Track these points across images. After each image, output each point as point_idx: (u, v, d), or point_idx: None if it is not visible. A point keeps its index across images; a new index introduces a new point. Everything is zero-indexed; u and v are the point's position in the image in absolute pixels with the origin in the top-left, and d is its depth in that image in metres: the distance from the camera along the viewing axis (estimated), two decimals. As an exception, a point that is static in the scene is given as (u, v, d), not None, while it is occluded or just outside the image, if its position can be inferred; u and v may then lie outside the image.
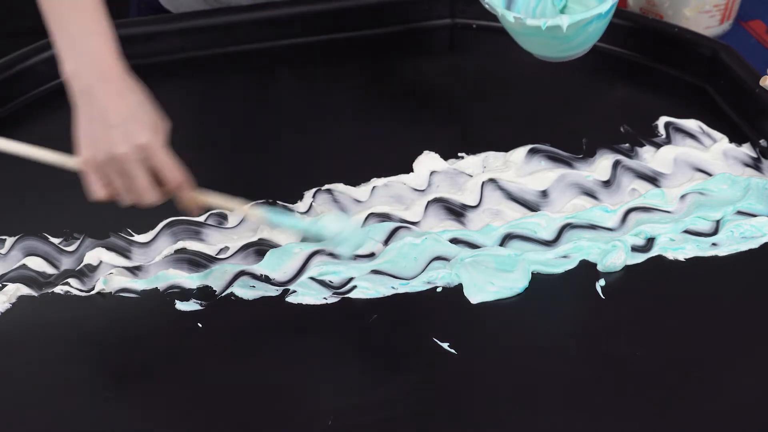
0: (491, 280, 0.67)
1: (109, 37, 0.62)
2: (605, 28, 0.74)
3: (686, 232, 0.70)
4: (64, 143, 0.81)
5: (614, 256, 0.67)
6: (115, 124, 0.59)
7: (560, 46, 0.74)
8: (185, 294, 0.66)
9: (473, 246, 0.69)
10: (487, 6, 0.74)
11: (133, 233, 0.72)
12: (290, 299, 0.66)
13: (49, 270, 0.69)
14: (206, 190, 0.64)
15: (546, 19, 0.71)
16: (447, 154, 0.78)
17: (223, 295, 0.66)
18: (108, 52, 0.61)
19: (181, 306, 0.65)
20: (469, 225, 0.72)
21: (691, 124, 0.81)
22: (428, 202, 0.73)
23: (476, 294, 0.66)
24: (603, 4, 0.71)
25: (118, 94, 0.60)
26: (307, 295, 0.66)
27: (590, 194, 0.74)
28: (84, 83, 0.60)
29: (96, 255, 0.69)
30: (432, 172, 0.76)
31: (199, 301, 0.65)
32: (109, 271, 0.68)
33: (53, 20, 0.62)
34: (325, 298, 0.66)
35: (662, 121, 0.81)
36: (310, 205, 0.73)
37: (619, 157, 0.77)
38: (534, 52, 0.76)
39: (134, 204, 0.62)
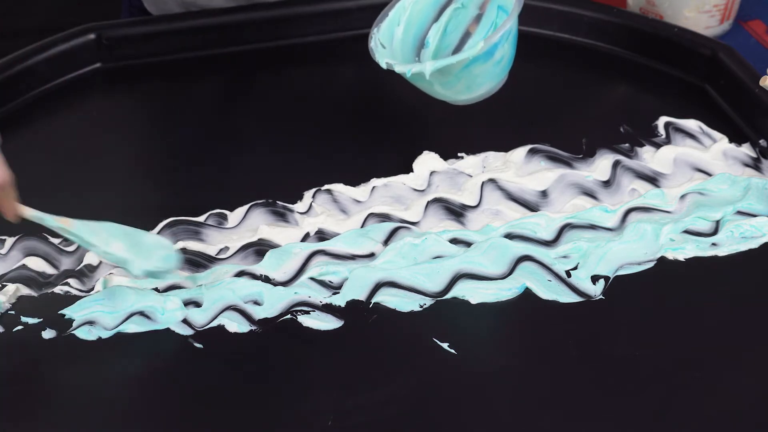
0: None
1: None
2: (499, 70, 0.72)
3: (686, 232, 0.70)
4: (65, 143, 0.82)
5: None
6: None
7: (448, 91, 0.72)
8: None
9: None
10: (371, 49, 0.73)
11: (133, 233, 0.72)
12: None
13: (49, 270, 0.69)
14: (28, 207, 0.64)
15: (411, 65, 0.69)
16: (447, 154, 0.78)
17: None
18: None
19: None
20: (469, 225, 0.72)
21: (691, 124, 0.81)
22: (428, 203, 0.73)
23: (476, 294, 0.66)
24: (472, 49, 0.68)
25: None
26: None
27: (590, 194, 0.74)
28: None
29: (96, 255, 0.69)
30: (432, 172, 0.76)
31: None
32: (109, 272, 0.68)
33: None
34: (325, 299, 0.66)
35: (662, 121, 0.81)
36: (310, 205, 0.73)
37: (619, 157, 0.77)
38: (437, 97, 0.74)
39: None
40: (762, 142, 0.78)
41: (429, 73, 0.69)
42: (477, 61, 0.69)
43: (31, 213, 0.63)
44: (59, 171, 0.78)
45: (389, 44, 0.74)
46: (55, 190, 0.76)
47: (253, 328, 0.64)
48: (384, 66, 0.71)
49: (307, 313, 0.65)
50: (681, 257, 0.69)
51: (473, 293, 0.66)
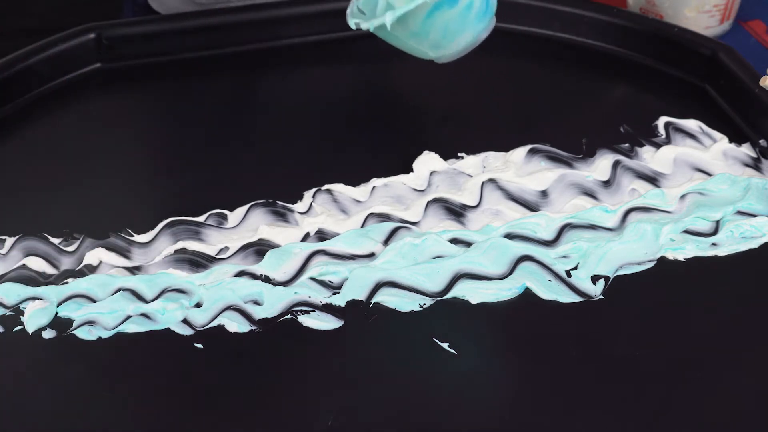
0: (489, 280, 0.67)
1: None
2: (473, 17, 0.70)
3: (686, 232, 0.70)
4: (65, 143, 0.82)
5: None
6: None
7: (422, 46, 0.71)
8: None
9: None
10: (347, 15, 0.74)
11: (133, 233, 0.72)
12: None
13: (49, 270, 0.69)
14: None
15: (374, 20, 0.69)
16: (447, 154, 0.78)
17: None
18: None
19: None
20: (469, 225, 0.72)
21: (691, 124, 0.81)
22: (428, 202, 0.73)
23: (476, 294, 0.66)
24: None
25: None
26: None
27: (590, 194, 0.74)
28: None
29: (96, 255, 0.69)
30: (432, 172, 0.76)
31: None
32: (109, 272, 0.68)
33: None
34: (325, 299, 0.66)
35: (662, 121, 0.81)
36: (310, 205, 0.73)
37: (619, 157, 0.77)
38: (419, 56, 0.74)
39: None
40: (762, 142, 0.78)
41: (390, 24, 0.67)
42: (441, 7, 0.67)
43: None
44: (59, 171, 0.78)
45: (372, 13, 0.74)
46: (55, 190, 0.76)
47: (253, 328, 0.64)
48: (353, 26, 0.71)
49: (307, 313, 0.65)
50: (681, 257, 0.69)
51: (473, 293, 0.66)
